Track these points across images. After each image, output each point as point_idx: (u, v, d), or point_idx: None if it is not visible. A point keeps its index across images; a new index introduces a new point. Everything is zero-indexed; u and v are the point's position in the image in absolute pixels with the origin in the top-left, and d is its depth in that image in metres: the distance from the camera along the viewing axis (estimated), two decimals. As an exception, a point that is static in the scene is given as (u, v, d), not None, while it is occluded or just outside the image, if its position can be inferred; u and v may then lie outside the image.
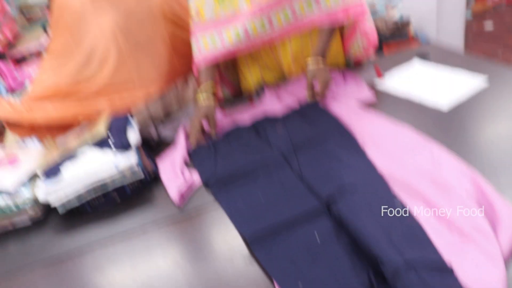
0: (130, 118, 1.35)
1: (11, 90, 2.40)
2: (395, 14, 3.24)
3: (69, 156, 1.18)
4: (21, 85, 2.43)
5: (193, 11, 1.49)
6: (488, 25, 4.35)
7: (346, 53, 1.65)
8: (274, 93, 1.53)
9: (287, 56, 1.57)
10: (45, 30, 2.98)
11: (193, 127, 1.37)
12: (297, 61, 1.58)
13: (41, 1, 3.47)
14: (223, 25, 1.45)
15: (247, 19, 1.40)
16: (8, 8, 3.02)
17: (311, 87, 1.42)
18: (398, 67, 1.57)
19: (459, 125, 1.24)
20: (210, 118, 1.39)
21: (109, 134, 1.23)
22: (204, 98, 1.42)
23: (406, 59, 1.65)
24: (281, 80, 1.64)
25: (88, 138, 1.24)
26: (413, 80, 1.49)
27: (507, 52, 3.73)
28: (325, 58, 1.44)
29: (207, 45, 1.48)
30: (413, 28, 2.91)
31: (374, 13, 3.37)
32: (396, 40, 2.79)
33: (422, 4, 2.86)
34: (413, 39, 2.83)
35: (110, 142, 1.18)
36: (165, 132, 1.44)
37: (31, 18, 3.48)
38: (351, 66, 1.66)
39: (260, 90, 1.57)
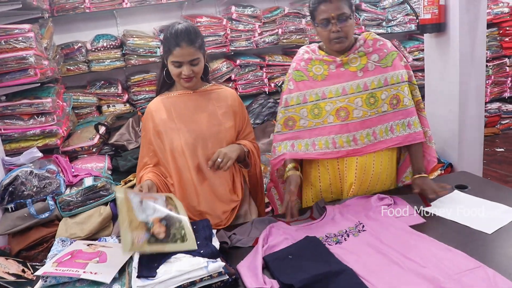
0: (210, 225, 1.52)
1: (70, 184, 2.58)
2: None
3: (164, 259, 1.33)
4: (79, 181, 2.59)
5: (287, 121, 1.86)
6: (499, 149, 4.65)
7: (399, 179, 1.95)
8: (334, 211, 1.71)
9: (351, 174, 1.83)
10: (97, 130, 3.22)
11: (289, 202, 1.68)
12: (358, 180, 1.83)
13: (91, 101, 3.82)
14: (315, 135, 1.82)
15: (336, 134, 1.78)
16: (65, 105, 3.30)
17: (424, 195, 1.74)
18: (441, 198, 1.75)
19: (503, 245, 1.42)
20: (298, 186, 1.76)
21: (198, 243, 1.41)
22: (293, 171, 1.79)
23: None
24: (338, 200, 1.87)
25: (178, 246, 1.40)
26: (457, 208, 1.66)
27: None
28: (425, 173, 1.83)
29: (300, 147, 1.84)
30: (436, 152, 3.16)
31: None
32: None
33: (444, 130, 3.15)
34: (438, 162, 3.07)
35: (200, 251, 1.35)
36: (237, 238, 1.61)
37: (81, 116, 3.81)
38: (400, 190, 1.89)
39: (320, 209, 1.76)
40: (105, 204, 2.60)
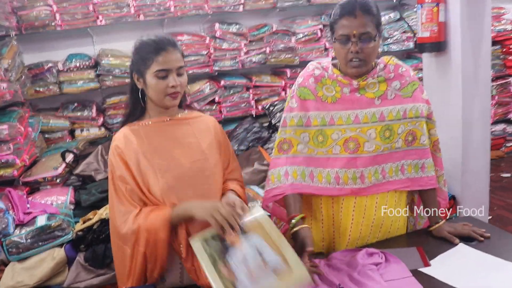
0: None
1: (20, 223, 2.27)
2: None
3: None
4: (32, 219, 2.29)
5: (282, 144, 1.60)
6: (505, 174, 4.36)
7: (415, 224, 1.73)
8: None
9: (347, 218, 1.57)
10: (63, 158, 2.93)
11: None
12: (355, 226, 1.56)
13: (63, 125, 3.53)
14: (315, 165, 1.56)
15: (340, 167, 1.52)
16: (30, 131, 3.03)
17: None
18: (444, 254, 1.45)
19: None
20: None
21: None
22: (304, 229, 1.45)
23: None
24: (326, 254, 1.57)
25: None
26: (463, 269, 1.36)
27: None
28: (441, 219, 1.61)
29: (296, 176, 1.56)
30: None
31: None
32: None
33: (446, 159, 2.84)
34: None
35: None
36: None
37: (51, 141, 3.52)
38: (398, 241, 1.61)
39: None
40: (60, 245, 2.29)
